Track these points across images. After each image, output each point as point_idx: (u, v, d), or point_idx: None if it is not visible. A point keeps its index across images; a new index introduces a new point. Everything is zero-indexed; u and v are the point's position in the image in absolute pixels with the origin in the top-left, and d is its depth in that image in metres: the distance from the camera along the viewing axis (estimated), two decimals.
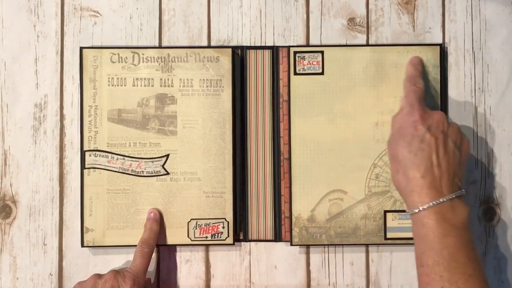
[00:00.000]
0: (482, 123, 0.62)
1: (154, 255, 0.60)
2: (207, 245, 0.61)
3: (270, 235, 0.61)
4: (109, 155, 0.60)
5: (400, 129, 0.54)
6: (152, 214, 0.59)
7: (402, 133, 0.54)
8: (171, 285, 0.61)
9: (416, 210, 0.51)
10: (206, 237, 0.60)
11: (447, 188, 0.51)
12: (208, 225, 0.60)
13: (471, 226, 0.62)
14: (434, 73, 0.61)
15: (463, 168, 0.54)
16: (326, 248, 0.61)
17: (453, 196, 0.51)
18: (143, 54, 0.61)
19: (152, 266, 0.61)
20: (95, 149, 0.60)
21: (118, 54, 0.61)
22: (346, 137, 0.61)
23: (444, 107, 0.61)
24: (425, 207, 0.51)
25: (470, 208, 0.52)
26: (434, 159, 0.52)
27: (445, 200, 0.50)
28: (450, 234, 0.50)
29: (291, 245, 0.60)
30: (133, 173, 0.60)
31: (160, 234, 0.60)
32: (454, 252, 0.50)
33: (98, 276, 0.55)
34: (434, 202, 0.50)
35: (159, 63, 0.61)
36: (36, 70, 0.62)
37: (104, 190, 0.60)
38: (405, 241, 0.60)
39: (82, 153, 0.60)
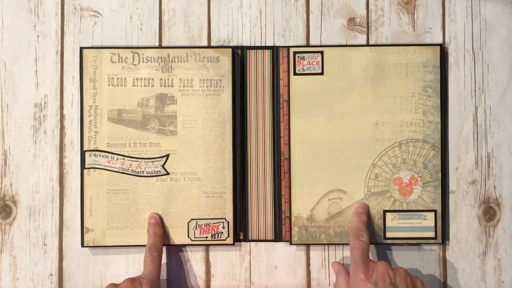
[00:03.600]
0: (482, 123, 0.62)
1: None
2: (207, 245, 0.61)
3: (270, 235, 0.61)
4: (109, 155, 0.60)
5: None
6: (152, 219, 0.59)
7: None
8: (171, 285, 0.61)
9: None
10: (206, 237, 0.60)
11: None
12: (208, 225, 0.60)
13: (471, 226, 0.62)
14: (434, 73, 0.61)
15: None
16: (326, 248, 0.61)
17: None
18: (143, 54, 0.61)
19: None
20: (95, 149, 0.60)
21: (118, 54, 0.61)
22: (345, 137, 0.61)
23: (444, 107, 0.61)
24: None
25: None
26: None
27: None
28: None
29: (290, 244, 0.60)
30: (133, 173, 0.60)
31: None
32: None
33: (114, 285, 0.55)
34: None
35: (159, 63, 0.61)
36: (36, 70, 0.62)
37: (104, 190, 0.60)
38: (405, 241, 0.60)
39: (82, 153, 0.60)
